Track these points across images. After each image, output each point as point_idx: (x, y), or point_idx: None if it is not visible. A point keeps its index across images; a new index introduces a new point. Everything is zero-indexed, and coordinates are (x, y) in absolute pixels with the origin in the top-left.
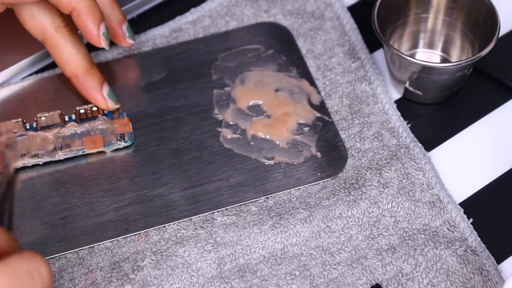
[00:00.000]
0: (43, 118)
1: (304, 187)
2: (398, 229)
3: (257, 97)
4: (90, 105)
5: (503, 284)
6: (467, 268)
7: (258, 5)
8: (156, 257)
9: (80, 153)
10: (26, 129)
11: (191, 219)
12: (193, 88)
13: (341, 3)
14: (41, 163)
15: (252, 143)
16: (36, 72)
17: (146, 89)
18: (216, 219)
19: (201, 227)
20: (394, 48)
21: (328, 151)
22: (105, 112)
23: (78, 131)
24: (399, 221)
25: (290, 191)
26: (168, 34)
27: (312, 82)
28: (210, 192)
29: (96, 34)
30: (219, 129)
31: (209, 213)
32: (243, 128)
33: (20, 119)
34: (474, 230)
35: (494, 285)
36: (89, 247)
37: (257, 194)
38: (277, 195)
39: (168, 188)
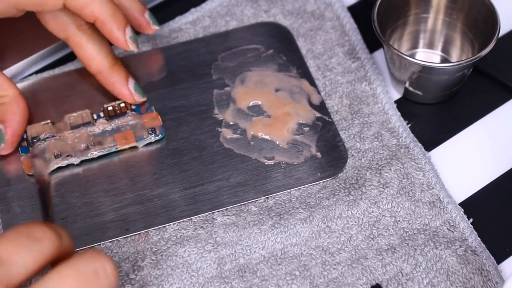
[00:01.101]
0: (72, 118)
1: (304, 187)
2: (398, 229)
3: (257, 97)
4: (117, 102)
5: (503, 284)
6: (467, 268)
7: (258, 5)
8: (156, 257)
9: (113, 149)
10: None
11: (191, 219)
12: (193, 88)
13: (341, 3)
14: (75, 163)
15: (252, 143)
16: (36, 72)
17: (146, 89)
18: (216, 219)
19: (201, 227)
20: (394, 48)
21: (328, 151)
22: (133, 107)
23: (108, 128)
24: (399, 221)
25: (290, 191)
26: (168, 34)
27: (312, 82)
28: (210, 192)
29: (123, 40)
30: (219, 129)
31: (209, 213)
32: (243, 128)
33: (48, 121)
34: (474, 230)
35: (494, 285)
36: (89, 247)
37: (257, 194)
38: (277, 195)
39: (168, 188)
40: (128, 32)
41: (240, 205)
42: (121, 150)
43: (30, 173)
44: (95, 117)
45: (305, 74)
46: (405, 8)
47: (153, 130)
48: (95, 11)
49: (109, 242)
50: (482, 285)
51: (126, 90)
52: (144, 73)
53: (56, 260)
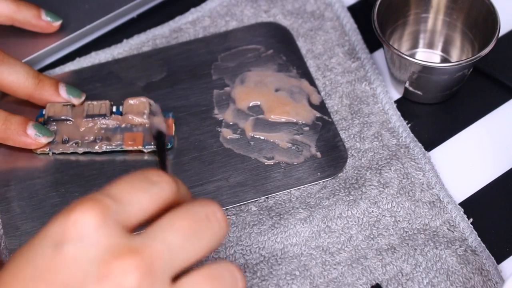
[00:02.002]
0: (91, 106)
1: (304, 187)
2: (398, 229)
3: (257, 97)
4: (139, 98)
5: (503, 284)
6: (467, 268)
7: (258, 5)
8: None
9: (118, 148)
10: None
11: None
12: (193, 88)
13: (341, 3)
14: (79, 152)
15: (252, 143)
16: None
17: (146, 89)
18: None
19: None
20: (394, 48)
21: (328, 151)
22: (152, 108)
23: (121, 125)
24: (399, 221)
25: (290, 191)
26: (168, 34)
27: (312, 82)
28: (210, 192)
29: (32, 141)
30: (219, 129)
31: None
32: (242, 128)
33: (69, 103)
34: (474, 230)
35: (494, 285)
36: None
37: (257, 194)
38: (277, 195)
39: None
40: (31, 131)
41: (240, 205)
42: (127, 151)
43: (38, 152)
44: (114, 109)
45: (305, 74)
46: (405, 8)
47: None
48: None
49: None
50: (482, 285)
51: (60, 99)
52: (144, 73)
53: (174, 206)
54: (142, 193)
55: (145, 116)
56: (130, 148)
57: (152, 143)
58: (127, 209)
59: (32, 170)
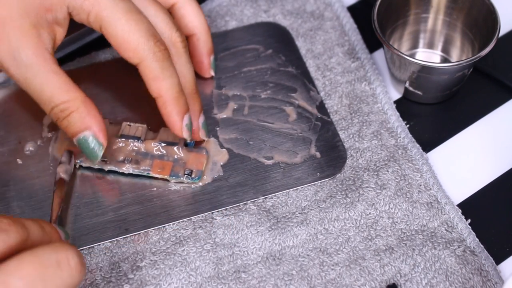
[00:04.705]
0: (127, 127)
1: (302, 188)
2: (396, 230)
3: None
4: None
5: (503, 284)
6: (466, 269)
7: (258, 5)
8: (156, 257)
9: (145, 173)
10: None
11: (190, 219)
12: None
13: (341, 3)
14: (105, 169)
15: (251, 143)
16: None
17: (146, 89)
18: (216, 219)
19: (200, 227)
20: (394, 48)
21: (327, 151)
22: (188, 141)
23: (153, 152)
24: (396, 222)
25: (289, 192)
26: None
27: (311, 82)
28: (209, 192)
29: (179, 127)
30: (218, 129)
31: (208, 213)
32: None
33: (107, 119)
34: (472, 231)
35: (494, 285)
36: (89, 247)
37: (256, 194)
38: (275, 196)
39: (168, 188)
40: (186, 119)
41: (239, 205)
42: (153, 177)
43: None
44: (151, 134)
45: (304, 74)
46: (405, 8)
47: (190, 172)
48: (162, 89)
49: (109, 242)
50: (482, 285)
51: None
52: None
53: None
54: None
55: (176, 148)
56: (156, 175)
57: (54, 188)
58: None
59: (32, 170)
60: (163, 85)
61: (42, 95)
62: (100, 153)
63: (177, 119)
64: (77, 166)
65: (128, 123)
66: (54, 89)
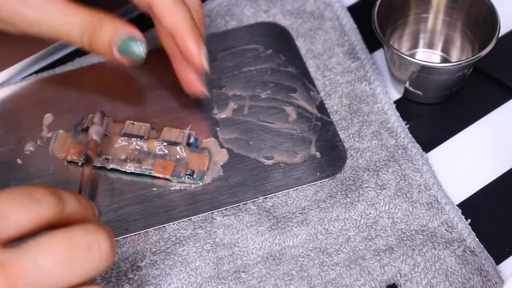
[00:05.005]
0: (130, 125)
1: (302, 188)
2: (396, 230)
3: None
4: (178, 130)
5: (503, 284)
6: (466, 269)
7: (258, 5)
8: (156, 257)
9: (147, 173)
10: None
11: (190, 219)
12: None
13: (340, 3)
14: (108, 168)
15: (251, 143)
16: (36, 72)
17: (146, 88)
18: (216, 219)
19: (200, 226)
20: (394, 48)
21: (327, 151)
22: (191, 140)
23: (156, 151)
24: (396, 222)
25: (289, 192)
26: None
27: (311, 82)
28: (209, 192)
29: (198, 55)
30: (218, 129)
31: (208, 213)
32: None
33: (110, 118)
34: (472, 231)
35: (494, 285)
36: None
37: (256, 194)
38: (276, 195)
39: (168, 188)
40: (204, 49)
41: (239, 205)
42: (155, 176)
43: (69, 159)
44: (154, 133)
45: (304, 74)
46: (405, 8)
47: (191, 173)
48: (179, 20)
49: None
50: (482, 285)
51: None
52: (144, 73)
53: (59, 226)
54: (21, 209)
55: (178, 148)
56: (158, 175)
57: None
58: (1, 223)
59: (32, 170)
60: (180, 16)
61: (63, 28)
62: (144, 48)
63: (196, 48)
64: (79, 163)
65: (131, 121)
66: (75, 15)
